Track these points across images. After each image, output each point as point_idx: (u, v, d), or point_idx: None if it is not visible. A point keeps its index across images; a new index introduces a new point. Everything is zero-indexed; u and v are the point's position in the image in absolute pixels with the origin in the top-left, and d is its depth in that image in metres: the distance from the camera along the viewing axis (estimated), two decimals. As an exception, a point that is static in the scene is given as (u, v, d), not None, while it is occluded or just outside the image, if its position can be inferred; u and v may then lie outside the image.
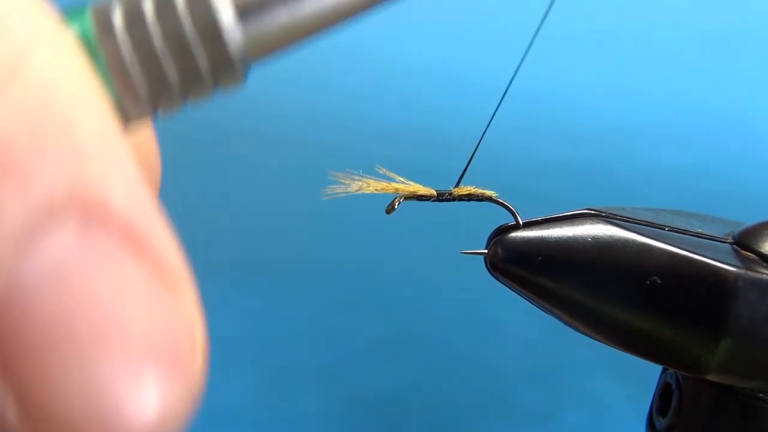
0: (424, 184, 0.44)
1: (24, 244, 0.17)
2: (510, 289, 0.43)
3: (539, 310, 0.43)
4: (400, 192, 0.42)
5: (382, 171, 0.42)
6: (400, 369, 0.97)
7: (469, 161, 0.42)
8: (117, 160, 0.19)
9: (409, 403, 0.95)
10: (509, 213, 0.43)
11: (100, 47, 0.22)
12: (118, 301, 0.18)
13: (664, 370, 0.48)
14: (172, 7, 0.23)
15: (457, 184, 0.43)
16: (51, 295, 0.17)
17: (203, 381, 0.20)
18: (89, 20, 0.23)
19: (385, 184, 0.42)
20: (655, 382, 0.49)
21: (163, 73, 0.23)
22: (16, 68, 0.18)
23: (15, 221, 0.17)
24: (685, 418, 0.45)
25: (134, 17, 0.23)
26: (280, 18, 0.24)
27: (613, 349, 0.43)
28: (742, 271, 0.40)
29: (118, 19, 0.23)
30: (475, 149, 0.41)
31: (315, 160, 1.03)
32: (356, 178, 0.41)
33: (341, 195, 0.41)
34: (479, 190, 0.44)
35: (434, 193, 0.43)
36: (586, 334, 0.43)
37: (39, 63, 0.18)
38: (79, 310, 0.18)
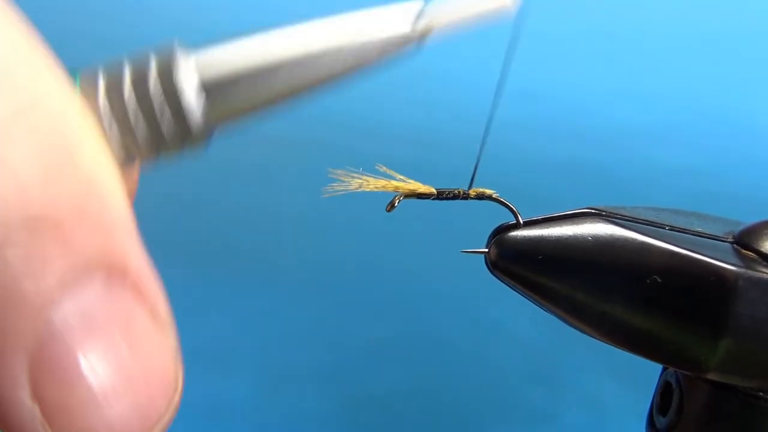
0: (423, 181, 0.44)
1: (62, 294, 0.23)
2: (510, 288, 0.43)
3: (540, 309, 0.43)
4: (400, 190, 0.42)
5: (383, 169, 0.42)
6: (400, 369, 0.97)
7: (476, 167, 0.42)
8: (131, 230, 0.25)
9: (409, 404, 0.95)
10: (510, 212, 0.43)
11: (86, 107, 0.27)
12: (129, 337, 0.25)
13: (664, 369, 0.48)
14: (145, 81, 0.28)
15: (470, 186, 0.43)
16: (80, 334, 0.23)
17: (180, 395, 0.26)
18: (78, 84, 0.27)
19: (385, 182, 0.42)
20: (655, 382, 0.49)
21: (134, 135, 0.28)
22: (71, 156, 0.23)
23: (56, 276, 0.23)
24: (686, 417, 0.45)
25: (114, 86, 0.28)
26: (242, 95, 0.29)
27: (614, 348, 0.43)
28: (743, 270, 0.40)
29: (101, 86, 0.28)
30: (480, 153, 0.41)
31: (315, 160, 1.03)
32: (356, 176, 0.41)
33: (341, 193, 0.41)
34: (479, 189, 0.44)
35: (434, 191, 0.43)
36: (586, 333, 0.43)
37: (88, 152, 0.24)
38: (101, 346, 0.24)
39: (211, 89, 0.28)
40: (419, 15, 0.30)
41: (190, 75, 0.28)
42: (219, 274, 1.01)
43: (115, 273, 0.24)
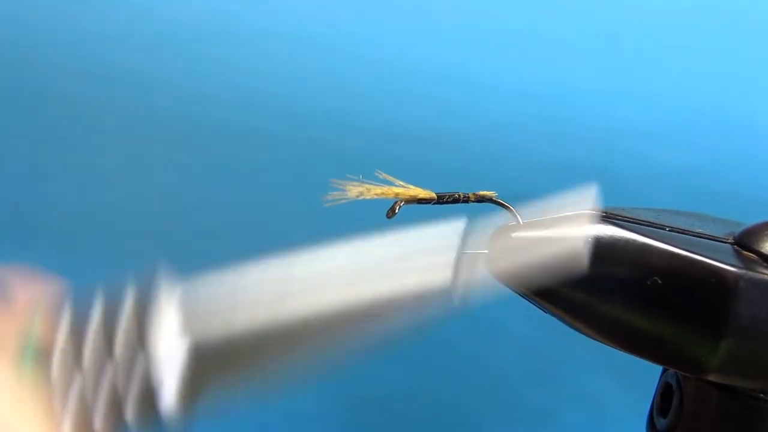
0: (424, 183, 0.44)
1: None
2: (510, 289, 0.43)
3: (540, 310, 0.43)
4: (400, 196, 0.42)
5: (382, 176, 0.42)
6: (400, 369, 0.97)
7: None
8: None
9: (409, 403, 0.95)
10: (510, 213, 0.43)
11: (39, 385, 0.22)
12: None
13: (664, 371, 0.48)
14: (114, 331, 0.22)
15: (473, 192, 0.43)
16: None
17: None
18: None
19: (385, 188, 0.42)
20: (656, 383, 0.49)
21: (96, 405, 0.22)
22: None
23: None
24: (686, 419, 0.45)
25: (78, 333, 0.22)
26: (234, 356, 0.23)
27: (614, 349, 0.43)
28: (743, 272, 0.40)
29: (63, 331, 0.22)
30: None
31: (316, 160, 1.03)
32: (356, 184, 0.41)
33: (342, 202, 0.41)
34: (479, 192, 0.44)
35: (434, 196, 0.43)
36: (586, 335, 0.43)
37: None
38: None
39: (196, 346, 0.23)
40: (460, 261, 0.24)
41: (168, 327, 0.22)
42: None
43: None
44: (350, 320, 0.23)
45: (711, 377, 0.42)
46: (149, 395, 0.22)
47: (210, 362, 0.22)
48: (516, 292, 0.43)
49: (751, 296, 0.40)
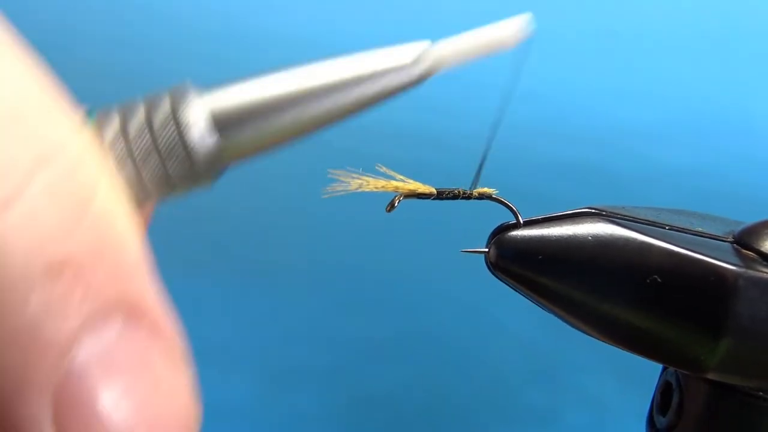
0: (424, 182, 0.44)
1: (83, 335, 0.24)
2: (511, 287, 0.43)
3: (540, 308, 0.43)
4: (400, 190, 0.42)
5: (382, 169, 0.42)
6: (400, 369, 0.97)
7: (480, 169, 0.42)
8: (147, 272, 0.26)
9: (409, 403, 0.95)
10: (510, 211, 0.43)
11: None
12: (147, 376, 0.26)
13: (664, 369, 0.48)
14: (156, 121, 0.29)
15: (473, 187, 0.43)
16: (100, 373, 0.25)
17: (200, 418, 0.28)
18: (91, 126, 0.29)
19: (385, 182, 0.42)
20: (656, 382, 0.49)
21: (147, 174, 0.29)
22: (89, 203, 0.25)
23: (77, 319, 0.24)
24: (686, 417, 0.45)
25: (128, 126, 0.29)
26: (252, 133, 0.30)
27: (614, 348, 0.43)
28: (743, 270, 0.40)
29: (115, 126, 0.29)
30: (485, 155, 0.41)
31: (315, 160, 1.03)
32: (356, 176, 0.41)
33: (341, 193, 0.41)
34: (479, 189, 0.44)
35: (434, 191, 0.43)
36: (586, 333, 0.43)
37: (105, 197, 0.25)
38: (120, 385, 0.25)
39: (222, 128, 0.29)
40: (424, 53, 0.31)
41: (200, 114, 0.29)
42: (219, 274, 1.01)
43: (133, 314, 0.25)
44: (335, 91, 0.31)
45: (710, 376, 0.42)
46: (185, 156, 0.29)
47: (233, 137, 0.30)
48: (516, 290, 0.43)
49: (750, 295, 0.40)
